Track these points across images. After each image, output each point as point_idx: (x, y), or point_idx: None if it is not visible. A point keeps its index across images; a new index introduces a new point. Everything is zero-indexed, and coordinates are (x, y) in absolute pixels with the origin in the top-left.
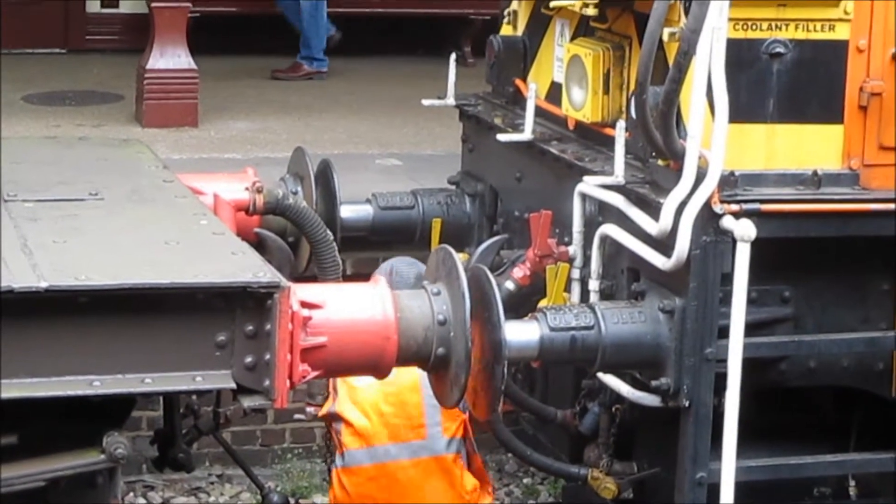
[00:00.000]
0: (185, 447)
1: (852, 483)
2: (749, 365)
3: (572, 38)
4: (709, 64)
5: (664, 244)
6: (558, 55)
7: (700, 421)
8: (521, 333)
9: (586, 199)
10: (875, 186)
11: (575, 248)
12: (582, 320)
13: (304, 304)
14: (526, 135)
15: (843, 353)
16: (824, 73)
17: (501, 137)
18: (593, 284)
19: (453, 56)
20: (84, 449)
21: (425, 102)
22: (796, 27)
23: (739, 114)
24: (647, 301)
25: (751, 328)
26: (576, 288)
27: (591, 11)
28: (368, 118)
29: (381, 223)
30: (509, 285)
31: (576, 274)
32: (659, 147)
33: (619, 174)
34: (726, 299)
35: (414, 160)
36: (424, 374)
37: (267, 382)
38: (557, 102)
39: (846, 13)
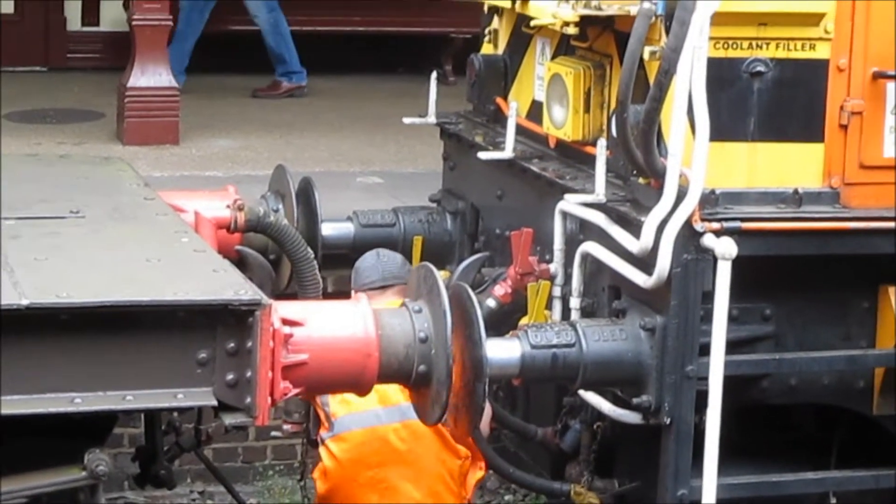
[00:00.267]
0: (166, 464)
1: (833, 500)
2: (730, 382)
3: (553, 57)
4: (689, 83)
5: (645, 262)
6: (539, 74)
7: (681, 438)
8: (502, 351)
9: (567, 217)
10: (855, 205)
11: (556, 266)
12: (563, 338)
13: (286, 322)
14: (507, 153)
15: (824, 371)
16: (805, 92)
17: (482, 155)
18: (574, 302)
19: (434, 74)
20: (65, 466)
21: (406, 120)
22: (777, 46)
23: (720, 132)
24: (628, 319)
25: (732, 346)
26: (557, 306)
27: (571, 30)
28: (350, 136)
29: (362, 241)
30: (490, 303)
31: (557, 292)
32: (640, 165)
33: (600, 192)
34: (707, 317)
35: (395, 178)
36: None
37: (248, 400)
38: (538, 121)
39: (827, 32)
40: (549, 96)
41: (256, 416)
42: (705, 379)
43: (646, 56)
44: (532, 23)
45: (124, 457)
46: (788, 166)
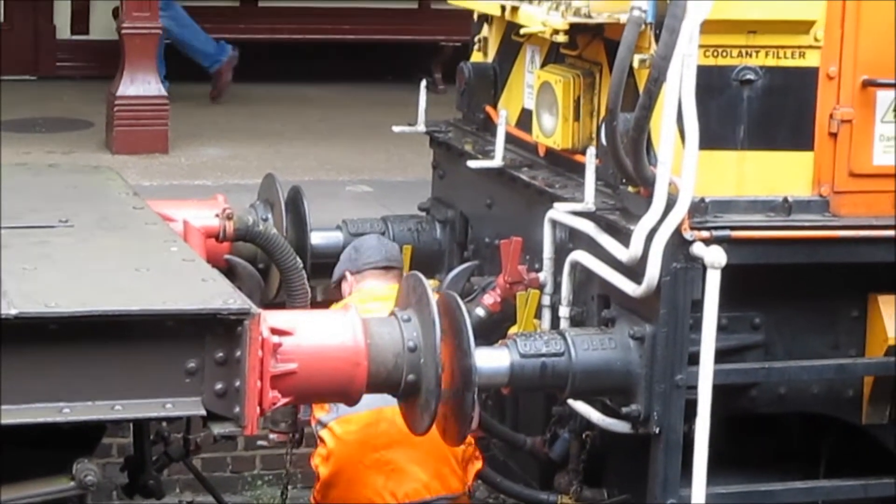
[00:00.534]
0: (155, 474)
1: None
2: (719, 391)
3: (543, 65)
4: (679, 91)
5: (634, 271)
6: (529, 82)
7: (670, 447)
8: (491, 360)
9: (557, 226)
10: (845, 213)
11: (545, 275)
12: (552, 347)
13: (275, 331)
14: (496, 161)
15: (814, 380)
16: (794, 100)
17: (472, 164)
18: (564, 311)
19: (424, 83)
20: (54, 476)
21: (396, 129)
22: (766, 54)
23: (710, 140)
24: (617, 328)
25: (721, 355)
26: (546, 314)
27: (561, 38)
28: (339, 145)
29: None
30: (480, 312)
31: (546, 300)
32: (629, 174)
33: (589, 201)
34: (696, 326)
35: (384, 187)
36: None
37: (237, 409)
38: (528, 129)
39: (816, 40)
40: (539, 104)
41: (245, 426)
42: (694, 388)
43: (635, 64)
44: (521, 31)
45: (113, 467)
46: (778, 174)
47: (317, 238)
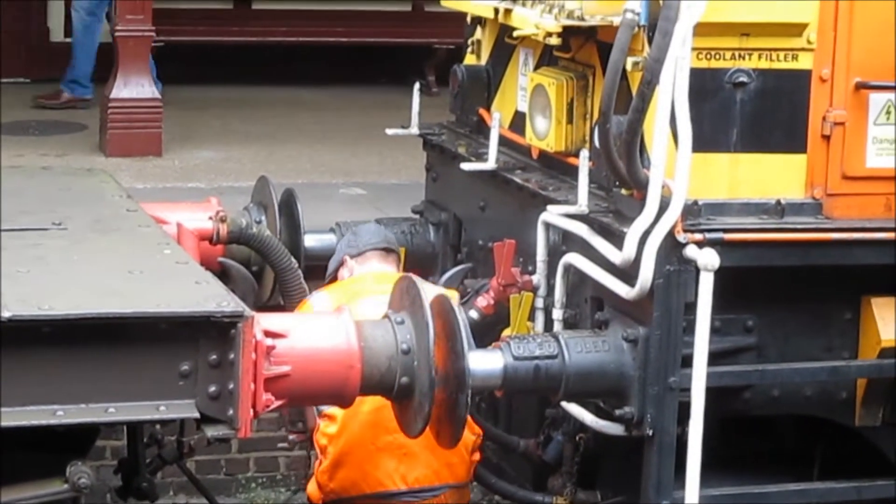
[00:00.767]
0: (148, 476)
1: None
2: (713, 394)
3: (536, 68)
4: (672, 93)
5: (628, 273)
6: (522, 84)
7: (664, 450)
8: (484, 362)
9: (550, 229)
10: (838, 216)
11: (539, 278)
12: (546, 349)
13: (268, 334)
14: (490, 164)
15: (807, 382)
16: (787, 103)
17: (465, 166)
18: (557, 313)
19: (417, 85)
20: (47, 478)
21: (389, 132)
22: (759, 57)
23: (703, 143)
24: (610, 330)
25: (714, 357)
26: (539, 317)
27: (554, 41)
28: (332, 147)
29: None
30: (473, 314)
31: (539, 303)
32: (622, 176)
33: (582, 203)
34: (690, 328)
35: (378, 189)
36: None
37: (231, 412)
38: (521, 132)
39: (809, 43)
40: (532, 107)
41: (239, 429)
42: (688, 390)
43: (628, 67)
44: (515, 33)
45: (107, 469)
46: (771, 177)
47: (310, 240)
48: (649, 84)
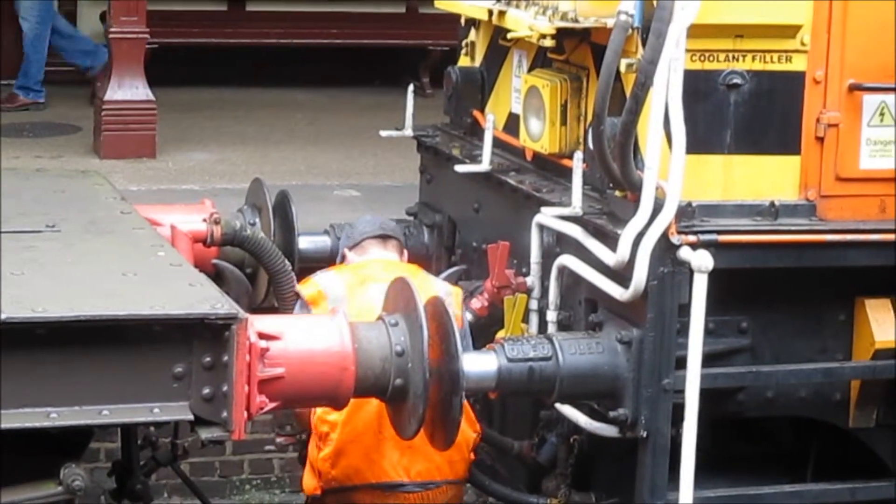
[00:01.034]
0: (143, 478)
1: None
2: (707, 395)
3: (530, 70)
4: (666, 95)
5: (622, 275)
6: (516, 86)
7: (658, 451)
8: (478, 364)
9: (544, 230)
10: (832, 217)
11: (533, 279)
12: (540, 351)
13: (262, 336)
14: (484, 166)
15: (801, 384)
16: (781, 104)
17: (459, 168)
18: (551, 315)
19: (411, 87)
20: (41, 481)
21: (383, 133)
22: (753, 58)
23: (697, 145)
24: (604, 332)
25: (708, 359)
26: (534, 319)
27: (548, 43)
28: (327, 149)
29: (338, 254)
30: (467, 316)
31: (534, 305)
32: (616, 178)
33: (576, 205)
34: (684, 330)
35: (372, 191)
36: None
37: (224, 414)
38: (515, 133)
39: (803, 44)
40: (526, 109)
41: (233, 431)
42: (682, 392)
43: (622, 68)
44: (509, 35)
45: (100, 471)
46: (765, 179)
47: (304, 242)
48: (643, 86)
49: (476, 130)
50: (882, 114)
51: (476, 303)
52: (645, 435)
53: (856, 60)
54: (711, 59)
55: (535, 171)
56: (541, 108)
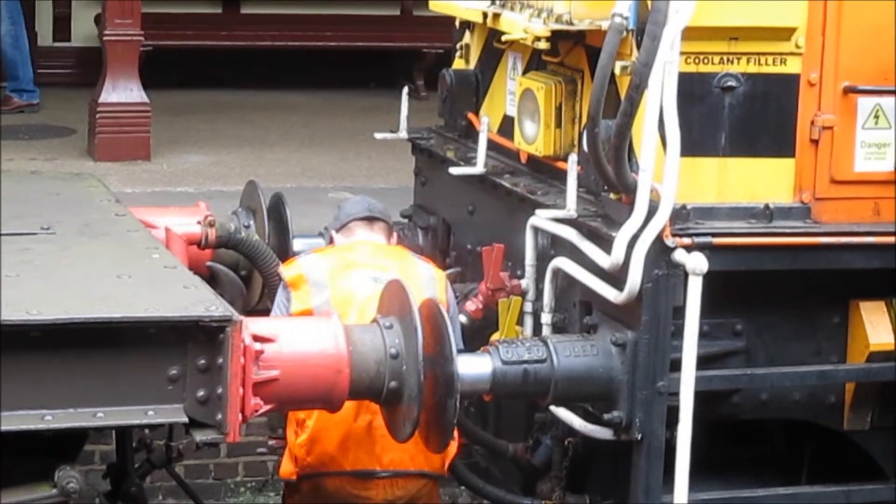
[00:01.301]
0: (137, 481)
1: None
2: (701, 398)
3: (524, 72)
4: (661, 97)
5: (616, 277)
6: (510, 89)
7: (652, 454)
8: (473, 367)
9: (538, 233)
10: (826, 220)
11: (527, 282)
12: (534, 353)
13: (257, 338)
14: (478, 168)
15: (795, 387)
16: (776, 107)
17: (454, 171)
18: (546, 318)
19: (406, 89)
20: (36, 483)
21: (378, 136)
22: (748, 61)
23: (691, 147)
24: (599, 334)
25: (703, 361)
26: (528, 321)
27: (543, 45)
28: (321, 151)
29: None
30: (462, 319)
31: (528, 307)
32: (611, 181)
33: (571, 208)
34: (678, 332)
35: (366, 193)
36: None
37: (219, 416)
38: (510, 136)
39: (798, 47)
40: (521, 111)
41: (227, 433)
42: (676, 394)
43: (617, 71)
44: (503, 38)
45: (95, 474)
46: (759, 181)
47: (299, 245)
48: (638, 88)
49: (470, 133)
50: (876, 116)
51: (471, 305)
52: (639, 437)
53: (850, 63)
54: (706, 61)
55: (529, 173)
56: (535, 111)
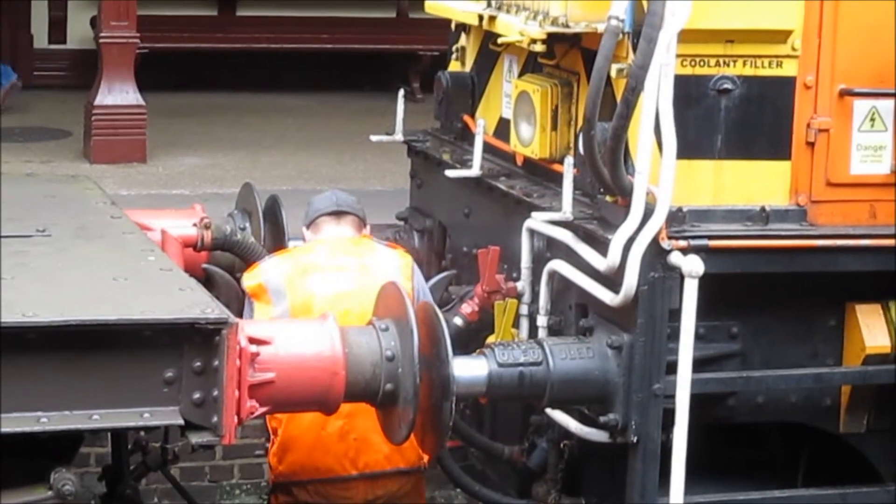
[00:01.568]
0: (133, 483)
1: None
2: (697, 401)
3: (520, 75)
4: (657, 100)
5: (612, 280)
6: (506, 91)
7: (648, 456)
8: (469, 369)
9: (534, 235)
10: (822, 222)
11: (523, 284)
12: (530, 356)
13: (252, 340)
14: (474, 171)
15: (791, 389)
16: (772, 110)
17: (450, 173)
18: (541, 320)
19: (401, 92)
20: (31, 485)
21: (374, 138)
22: (744, 63)
23: (687, 150)
24: (595, 337)
25: (699, 364)
26: (524, 324)
27: (539, 48)
28: (317, 154)
29: None
30: (458, 321)
31: (524, 310)
32: (607, 183)
33: (567, 210)
34: (674, 335)
35: (362, 196)
36: None
37: (215, 419)
38: (506, 138)
39: (794, 49)
40: (517, 114)
41: (223, 436)
42: (672, 397)
43: (613, 73)
44: (499, 40)
45: (91, 476)
46: (755, 184)
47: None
48: (634, 91)
49: (466, 135)
50: (872, 119)
51: (466, 308)
52: (635, 440)
53: (846, 65)
54: (702, 64)
55: (525, 176)
56: (531, 113)
